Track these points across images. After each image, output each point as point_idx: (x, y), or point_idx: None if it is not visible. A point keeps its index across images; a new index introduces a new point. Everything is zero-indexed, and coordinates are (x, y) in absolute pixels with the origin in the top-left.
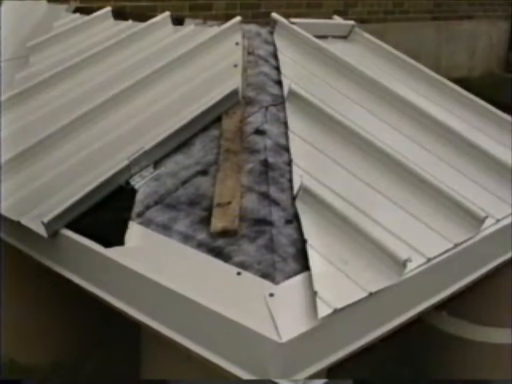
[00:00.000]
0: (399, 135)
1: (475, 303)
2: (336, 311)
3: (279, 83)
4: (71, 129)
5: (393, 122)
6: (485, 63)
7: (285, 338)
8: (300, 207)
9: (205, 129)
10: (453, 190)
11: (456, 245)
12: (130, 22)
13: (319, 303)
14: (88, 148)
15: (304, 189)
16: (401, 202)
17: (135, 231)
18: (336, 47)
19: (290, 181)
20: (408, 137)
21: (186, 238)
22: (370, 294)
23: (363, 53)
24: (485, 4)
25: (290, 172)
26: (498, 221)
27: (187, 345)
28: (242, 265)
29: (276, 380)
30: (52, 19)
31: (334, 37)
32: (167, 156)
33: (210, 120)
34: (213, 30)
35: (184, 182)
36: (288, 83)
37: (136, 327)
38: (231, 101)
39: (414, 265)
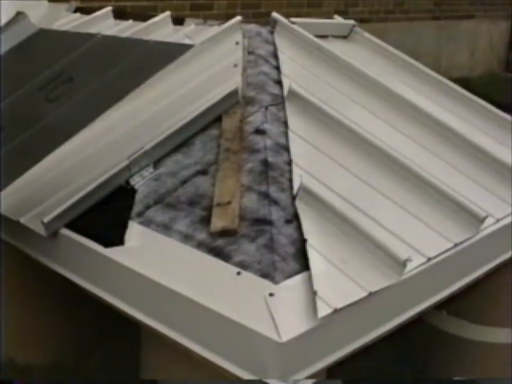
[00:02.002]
0: (399, 134)
1: (475, 302)
2: (336, 311)
3: (279, 83)
4: None
5: (393, 121)
6: (485, 62)
7: (284, 338)
8: (300, 206)
9: (205, 129)
10: (453, 189)
11: (456, 245)
12: (130, 21)
13: (319, 302)
14: (88, 147)
15: (304, 189)
16: (401, 202)
17: (135, 231)
18: (336, 47)
19: (290, 180)
20: (408, 137)
21: (186, 238)
22: (370, 294)
23: (363, 52)
24: (486, 4)
25: (290, 171)
26: (498, 220)
27: (187, 345)
28: (242, 265)
29: (267, 380)
30: (53, 19)
31: (334, 36)
32: (167, 155)
33: (210, 120)
34: (213, 29)
35: (184, 182)
36: (288, 83)
37: (136, 327)
38: (231, 101)
39: (414, 265)
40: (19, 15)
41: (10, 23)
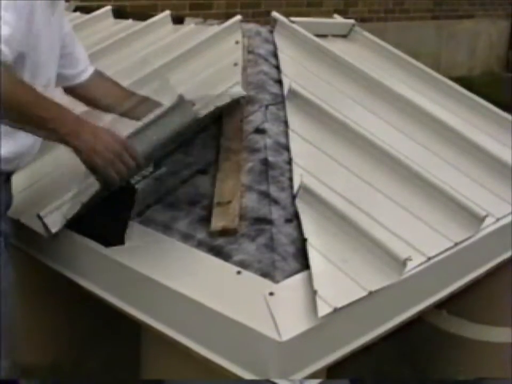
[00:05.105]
0: (398, 133)
1: (475, 302)
2: (336, 310)
3: (279, 82)
4: None
5: (393, 120)
6: (485, 62)
7: (285, 337)
8: (300, 206)
9: (205, 128)
10: (453, 188)
11: (456, 244)
12: (130, 21)
13: (319, 302)
14: None
15: (304, 188)
16: (401, 201)
17: (135, 230)
18: (336, 46)
19: (291, 179)
20: (407, 136)
21: (186, 237)
22: (370, 293)
23: (363, 51)
24: (485, 3)
25: (290, 170)
26: (498, 219)
27: (187, 344)
28: (242, 264)
29: (274, 380)
30: None
31: (334, 35)
32: (167, 155)
33: (210, 119)
34: (213, 28)
35: (184, 181)
36: (288, 82)
37: (136, 327)
38: (231, 100)
39: (414, 264)
40: (180, 99)
41: (174, 107)
